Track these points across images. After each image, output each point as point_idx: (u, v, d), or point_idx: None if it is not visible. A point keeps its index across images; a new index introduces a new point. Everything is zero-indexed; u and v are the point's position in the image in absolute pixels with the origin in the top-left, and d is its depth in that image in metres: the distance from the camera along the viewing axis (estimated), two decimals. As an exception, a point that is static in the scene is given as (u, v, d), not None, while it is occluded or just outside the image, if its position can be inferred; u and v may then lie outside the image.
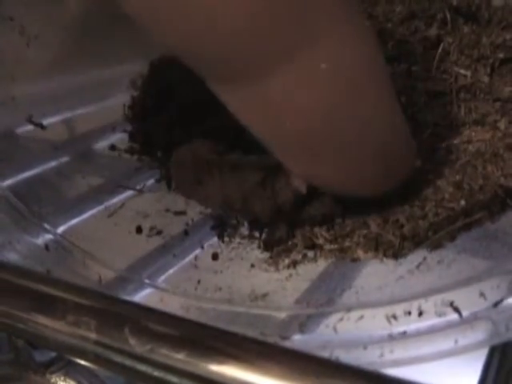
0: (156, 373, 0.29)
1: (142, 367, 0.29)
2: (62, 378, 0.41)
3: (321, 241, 0.43)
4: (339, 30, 0.34)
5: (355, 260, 0.41)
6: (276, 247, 0.43)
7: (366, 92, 0.36)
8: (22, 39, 0.53)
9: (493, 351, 0.31)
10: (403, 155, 0.41)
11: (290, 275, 0.40)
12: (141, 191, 0.50)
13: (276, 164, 0.42)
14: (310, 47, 0.33)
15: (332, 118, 0.36)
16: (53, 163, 0.53)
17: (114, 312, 0.31)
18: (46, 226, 0.46)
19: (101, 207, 0.49)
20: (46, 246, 0.44)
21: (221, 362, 0.28)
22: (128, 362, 0.29)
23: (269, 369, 0.27)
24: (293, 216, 0.44)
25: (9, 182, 0.49)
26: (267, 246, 0.43)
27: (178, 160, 0.49)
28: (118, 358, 0.30)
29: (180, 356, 0.28)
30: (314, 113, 0.35)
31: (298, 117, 0.36)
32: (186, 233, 0.45)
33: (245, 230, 0.45)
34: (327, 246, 0.42)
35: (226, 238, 0.45)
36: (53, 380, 0.41)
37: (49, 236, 0.45)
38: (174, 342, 0.29)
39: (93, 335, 0.30)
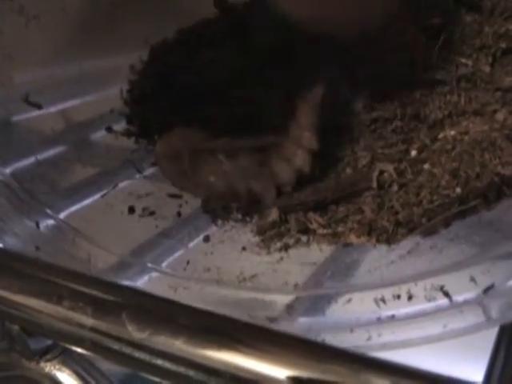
0: (154, 360, 0.28)
1: (141, 354, 0.28)
2: (58, 367, 0.41)
3: (314, 225, 0.42)
4: None
5: (348, 245, 0.40)
6: (268, 231, 0.42)
7: None
8: (21, 19, 0.53)
9: (500, 338, 0.30)
10: None
11: (281, 258, 0.40)
12: (140, 172, 0.50)
13: (272, 145, 0.42)
14: None
15: None
16: (51, 150, 0.53)
17: (112, 297, 0.31)
18: (46, 210, 0.46)
19: (98, 192, 0.49)
20: (37, 224, 0.43)
21: (220, 348, 0.27)
22: (125, 349, 0.29)
23: (268, 354, 0.27)
24: (282, 205, 0.44)
25: (9, 168, 0.49)
26: (260, 230, 0.43)
27: (165, 151, 0.48)
28: (115, 345, 0.29)
29: (179, 342, 0.28)
30: None
31: None
32: (178, 215, 0.45)
33: (238, 214, 0.45)
34: (320, 231, 0.42)
35: (219, 221, 0.44)
36: (48, 368, 0.41)
37: (46, 219, 0.45)
38: (172, 327, 0.28)
39: (89, 321, 0.30)
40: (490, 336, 0.31)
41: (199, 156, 0.46)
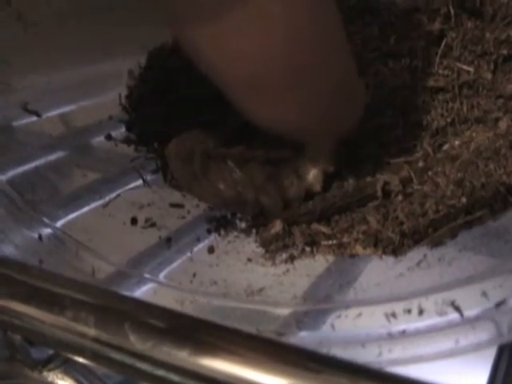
0: (157, 371, 0.28)
1: (143, 365, 0.28)
2: (60, 376, 0.41)
3: (319, 237, 0.42)
4: None
5: (354, 256, 0.40)
6: (272, 244, 0.42)
7: (323, 38, 0.38)
8: (20, 25, 0.52)
9: (502, 350, 0.30)
10: (354, 95, 0.42)
11: (288, 270, 0.39)
12: (143, 179, 0.50)
13: (283, 158, 0.42)
14: None
15: (286, 61, 0.36)
16: (50, 156, 0.52)
17: (114, 307, 0.30)
18: (45, 219, 0.45)
19: (99, 201, 0.48)
20: (40, 237, 0.43)
21: (223, 359, 0.27)
22: (128, 360, 0.29)
23: (274, 367, 0.26)
24: (290, 215, 0.43)
25: (7, 175, 0.48)
26: (263, 243, 0.42)
27: (177, 151, 0.47)
28: (118, 356, 0.29)
29: (182, 353, 0.27)
30: (267, 56, 0.36)
31: (252, 59, 0.36)
32: (181, 225, 0.45)
33: (242, 224, 0.45)
34: (325, 242, 0.42)
35: (223, 232, 0.44)
36: (50, 378, 0.40)
37: (47, 230, 0.45)
38: (176, 338, 0.28)
39: (91, 331, 0.29)
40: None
41: (211, 161, 0.45)
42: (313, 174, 0.43)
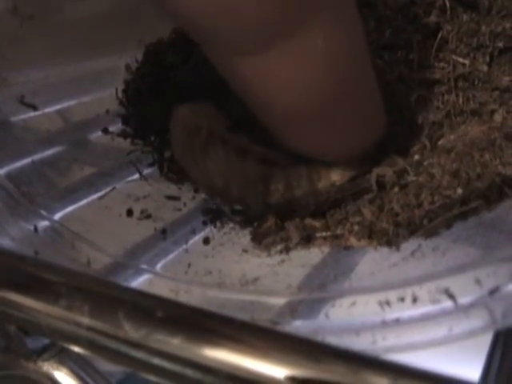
0: (151, 359, 0.28)
1: (137, 353, 0.28)
2: (55, 366, 0.41)
3: (313, 230, 0.42)
4: (334, 9, 0.36)
5: (348, 248, 0.40)
6: (264, 239, 0.42)
7: (357, 67, 0.39)
8: (16, 19, 0.52)
9: (497, 338, 0.30)
10: (378, 118, 0.43)
11: (283, 261, 0.39)
12: (140, 172, 0.50)
13: (278, 162, 0.42)
14: (308, 24, 0.35)
15: (327, 90, 0.38)
16: (48, 151, 0.52)
17: (108, 296, 0.30)
18: (42, 212, 0.45)
19: (95, 194, 0.48)
20: (35, 228, 0.43)
21: (218, 347, 0.27)
22: (122, 348, 0.29)
23: (266, 353, 0.26)
24: (282, 210, 0.43)
25: (4, 169, 0.48)
26: (255, 238, 0.42)
27: (187, 122, 0.45)
28: (112, 344, 0.29)
29: (176, 341, 0.27)
30: (310, 86, 0.37)
31: (296, 90, 0.37)
32: (177, 217, 0.45)
33: (237, 217, 0.45)
34: (319, 234, 0.42)
35: (218, 224, 0.44)
36: (45, 368, 0.41)
37: (44, 222, 0.45)
38: (170, 326, 0.28)
39: (86, 320, 0.29)
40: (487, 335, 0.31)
41: (210, 142, 0.44)
42: (301, 189, 0.43)
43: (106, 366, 0.43)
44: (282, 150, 0.44)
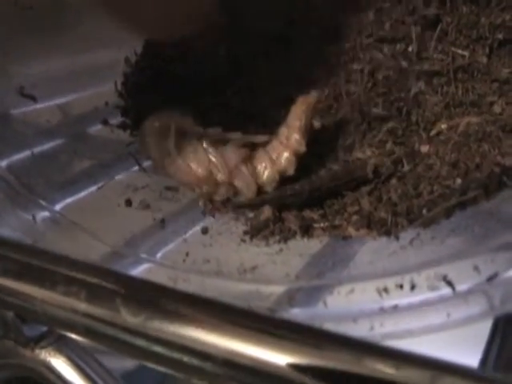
0: (148, 345, 0.28)
1: (134, 339, 0.28)
2: (52, 354, 0.41)
3: (311, 220, 0.42)
4: None
5: (347, 238, 0.40)
6: (262, 231, 0.42)
7: None
8: (16, 10, 0.52)
9: (496, 325, 0.30)
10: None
11: (281, 250, 0.39)
12: (139, 163, 0.50)
13: (258, 143, 0.42)
14: None
15: None
16: (48, 143, 0.52)
17: (105, 282, 0.30)
18: (42, 202, 0.45)
19: (95, 185, 0.48)
20: (34, 217, 0.43)
21: (219, 334, 0.27)
22: (119, 334, 0.28)
23: (268, 341, 0.26)
24: (277, 196, 0.43)
25: (5, 161, 0.48)
26: (252, 230, 0.42)
27: (152, 127, 0.48)
28: (110, 330, 0.29)
29: (173, 327, 0.27)
30: None
31: None
32: (176, 208, 0.45)
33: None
34: (318, 224, 0.42)
35: (217, 214, 0.44)
36: (42, 355, 0.40)
37: (45, 213, 0.45)
38: (167, 313, 0.28)
39: (83, 306, 0.29)
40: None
41: (185, 140, 0.46)
42: (285, 158, 0.44)
43: (110, 363, 0.43)
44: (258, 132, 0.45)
